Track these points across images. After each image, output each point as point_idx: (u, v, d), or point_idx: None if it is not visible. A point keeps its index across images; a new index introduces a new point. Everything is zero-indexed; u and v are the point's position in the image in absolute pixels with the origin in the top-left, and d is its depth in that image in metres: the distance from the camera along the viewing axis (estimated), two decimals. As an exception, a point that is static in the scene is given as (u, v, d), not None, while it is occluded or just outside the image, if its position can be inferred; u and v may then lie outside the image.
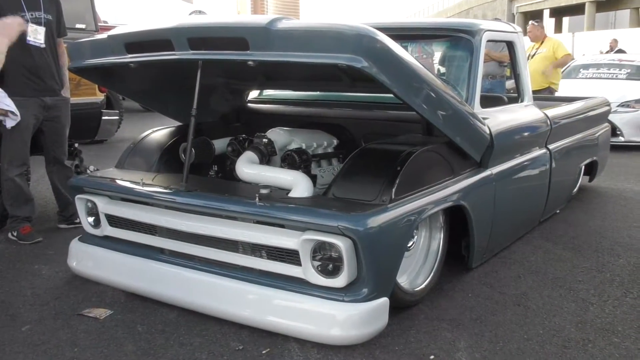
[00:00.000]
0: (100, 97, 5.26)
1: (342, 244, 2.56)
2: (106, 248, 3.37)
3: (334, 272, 2.68)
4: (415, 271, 3.25)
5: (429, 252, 3.32)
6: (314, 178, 3.47)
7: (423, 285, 3.21)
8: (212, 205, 2.91)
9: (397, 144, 3.24)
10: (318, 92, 4.42)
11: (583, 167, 5.37)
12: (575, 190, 5.40)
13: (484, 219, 3.54)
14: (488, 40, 3.92)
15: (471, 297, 3.27)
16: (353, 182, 2.92)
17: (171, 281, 3.07)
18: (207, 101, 4.22)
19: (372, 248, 2.62)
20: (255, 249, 2.89)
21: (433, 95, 2.96)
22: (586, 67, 10.04)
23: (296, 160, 3.36)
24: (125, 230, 3.32)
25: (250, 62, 2.72)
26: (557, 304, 3.19)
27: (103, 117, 5.23)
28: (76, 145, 5.26)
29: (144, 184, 3.18)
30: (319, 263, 2.70)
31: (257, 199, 2.79)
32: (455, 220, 3.37)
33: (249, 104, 4.49)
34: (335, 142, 3.86)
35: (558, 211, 4.98)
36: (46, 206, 5.13)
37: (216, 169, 3.68)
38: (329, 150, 3.82)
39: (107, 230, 3.39)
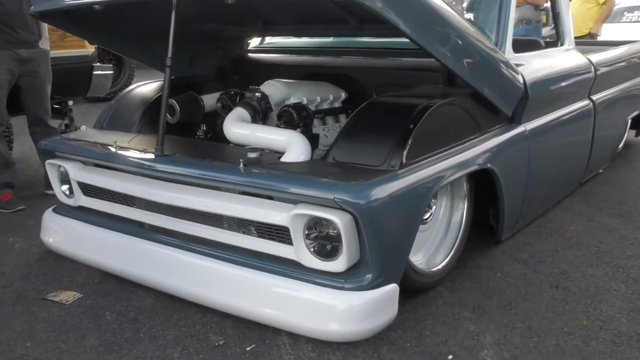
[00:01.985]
0: (90, 49, 4.79)
1: (339, 220, 2.09)
2: (80, 220, 2.96)
3: (332, 254, 2.21)
4: (434, 248, 2.77)
5: (450, 224, 2.83)
6: (316, 138, 2.97)
7: (442, 265, 2.73)
8: (188, 173, 2.45)
9: (412, 96, 2.72)
10: (325, 39, 3.88)
11: (630, 121, 4.76)
12: (620, 146, 4.80)
13: (515, 183, 3.02)
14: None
15: (500, 277, 2.78)
16: (357, 143, 2.42)
17: (149, 261, 2.64)
18: (200, 51, 3.74)
19: (377, 225, 2.14)
20: (241, 225, 2.43)
21: (455, 37, 2.43)
22: (631, 10, 9.21)
23: (294, 117, 2.87)
24: (101, 201, 2.90)
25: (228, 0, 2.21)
26: (604, 285, 2.69)
27: (95, 72, 4.76)
28: (70, 103, 4.83)
29: (117, 147, 2.74)
30: (314, 242, 2.24)
31: (241, 164, 2.32)
32: (482, 184, 2.86)
33: (249, 54, 3.98)
34: (343, 95, 3.35)
35: (601, 170, 4.41)
36: (39, 169, 4.75)
37: (205, 128, 3.20)
38: (336, 105, 3.32)
39: (81, 200, 2.98)
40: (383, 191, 2.14)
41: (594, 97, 3.89)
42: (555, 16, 3.79)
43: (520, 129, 3.04)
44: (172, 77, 3.60)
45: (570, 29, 3.84)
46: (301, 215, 2.18)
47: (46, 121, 4.05)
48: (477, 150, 2.67)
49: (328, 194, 2.08)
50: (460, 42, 2.48)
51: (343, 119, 3.31)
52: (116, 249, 2.77)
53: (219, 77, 3.78)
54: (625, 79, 4.48)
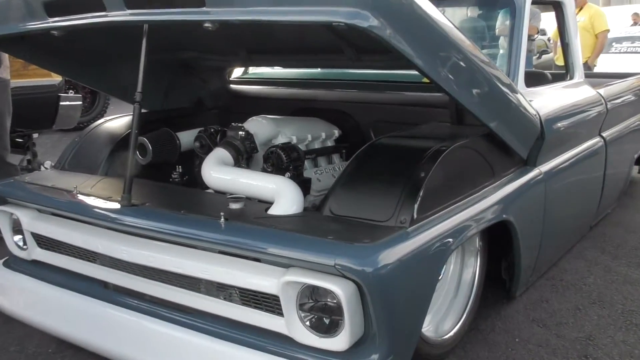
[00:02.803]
0: (57, 78, 4.41)
1: (340, 291, 1.73)
2: (34, 277, 2.54)
3: (331, 329, 1.84)
4: (443, 311, 2.42)
5: (460, 283, 2.49)
6: (307, 182, 2.62)
7: (454, 331, 2.37)
8: (159, 227, 2.06)
9: (420, 137, 2.39)
10: (316, 70, 3.56)
11: (636, 157, 4.48)
12: (627, 185, 4.51)
13: (532, 232, 2.69)
14: (533, 1, 3.02)
15: (519, 344, 2.42)
16: (358, 194, 2.06)
17: (112, 329, 2.24)
18: (176, 82, 3.39)
19: (386, 295, 1.78)
20: (222, 290, 2.05)
21: (470, 70, 2.11)
22: (619, 40, 9.10)
23: (283, 159, 2.51)
24: (58, 255, 2.50)
25: (207, 25, 1.86)
26: (639, 355, 2.35)
27: (61, 103, 4.37)
28: (35, 136, 4.43)
29: (77, 193, 2.36)
30: (310, 315, 1.87)
31: (221, 219, 1.95)
32: (495, 236, 2.52)
33: (230, 86, 3.63)
34: (336, 133, 3.01)
35: (609, 211, 4.11)
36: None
37: (181, 170, 2.83)
38: (328, 143, 2.97)
39: (35, 253, 2.57)
40: (393, 254, 1.78)
41: (605, 134, 3.60)
42: (564, 47, 3.50)
43: (535, 172, 2.72)
44: (145, 112, 3.28)
45: (580, 61, 3.56)
46: (293, 282, 1.81)
47: (4, 157, 3.65)
48: (493, 199, 2.33)
49: (328, 259, 1.71)
50: (476, 75, 2.15)
51: (336, 160, 2.97)
52: (74, 313, 2.36)
53: (197, 111, 3.42)
54: (631, 114, 4.21)
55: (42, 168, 4.02)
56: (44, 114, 4.29)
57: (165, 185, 2.64)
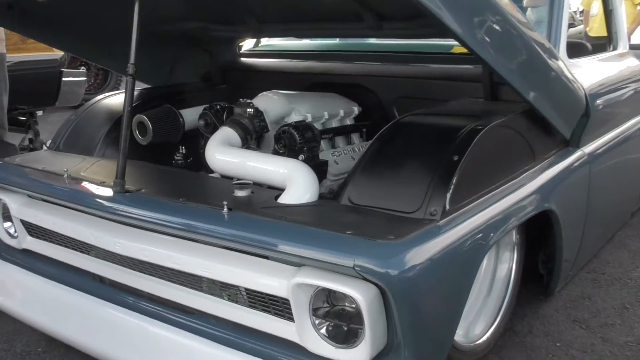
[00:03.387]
0: (58, 52, 4.17)
1: (360, 297, 1.47)
2: (25, 268, 2.33)
3: (349, 338, 1.59)
4: (474, 312, 2.15)
5: (494, 281, 2.21)
6: (324, 166, 2.35)
7: (487, 335, 2.11)
8: (154, 218, 1.82)
9: (451, 115, 2.11)
10: (333, 41, 3.26)
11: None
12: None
13: (574, 221, 2.40)
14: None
15: (560, 349, 2.16)
16: (381, 181, 1.80)
17: (107, 329, 2.02)
18: (181, 55, 3.13)
19: (414, 301, 1.52)
20: (225, 289, 1.81)
21: (509, 34, 1.82)
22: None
23: (296, 139, 2.24)
24: (50, 244, 2.27)
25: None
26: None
27: (64, 78, 4.13)
28: (39, 113, 4.22)
29: (69, 178, 2.12)
30: (325, 322, 1.62)
31: (225, 209, 1.70)
32: (531, 226, 2.24)
33: (241, 59, 3.36)
34: (355, 110, 2.73)
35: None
36: None
37: (184, 151, 2.58)
38: (347, 122, 2.69)
39: (26, 241, 2.35)
40: (422, 253, 1.52)
41: (651, 111, 3.27)
42: (607, 14, 3.18)
43: (578, 154, 2.43)
44: (147, 87, 3.03)
45: (625, 30, 3.23)
46: (306, 285, 1.56)
47: (1, 136, 3.42)
48: (534, 186, 2.05)
49: (346, 259, 1.45)
50: (516, 42, 1.87)
51: (356, 140, 2.70)
52: (67, 310, 2.14)
53: (205, 87, 3.16)
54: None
55: (44, 148, 3.80)
56: (45, 90, 4.05)
57: (165, 168, 2.39)
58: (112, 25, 2.60)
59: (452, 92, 2.43)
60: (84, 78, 4.40)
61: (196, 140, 2.65)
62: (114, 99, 2.79)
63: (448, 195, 1.65)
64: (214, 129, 2.40)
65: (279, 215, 1.69)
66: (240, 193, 1.85)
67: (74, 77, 4.22)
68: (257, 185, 1.96)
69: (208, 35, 3.02)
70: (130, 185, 1.92)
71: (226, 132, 2.24)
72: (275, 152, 2.28)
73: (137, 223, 1.88)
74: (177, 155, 2.56)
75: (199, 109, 2.58)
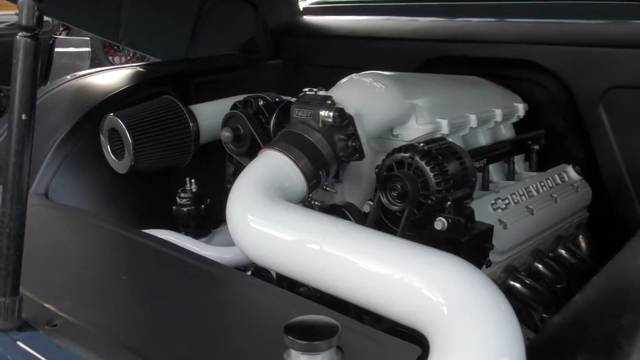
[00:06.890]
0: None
1: None
2: None
3: None
4: None
5: None
6: (487, 239, 1.07)
7: None
8: None
9: None
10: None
11: None
12: None
13: None
14: None
15: None
16: None
17: None
18: (212, 13, 1.95)
19: None
20: None
21: None
22: None
23: (432, 185, 0.98)
24: None
25: None
26: None
27: (56, 49, 2.98)
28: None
29: None
30: None
31: None
32: None
33: (304, 17, 2.10)
34: (521, 109, 1.43)
35: None
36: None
37: (195, 187, 1.35)
38: (504, 131, 1.42)
39: None
40: None
41: None
42: None
43: None
44: (156, 62, 1.90)
45: None
46: None
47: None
48: None
49: None
50: None
51: (520, 167, 1.41)
52: None
53: (243, 60, 1.95)
54: None
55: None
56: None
57: (143, 237, 1.15)
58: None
59: None
60: (87, 49, 3.24)
61: (221, 157, 1.43)
62: (82, 82, 1.61)
63: None
64: (251, 147, 1.18)
65: None
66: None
67: (72, 47, 3.07)
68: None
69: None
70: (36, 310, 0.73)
71: (273, 165, 0.99)
72: (373, 215, 1.04)
73: None
74: (183, 194, 1.32)
75: (227, 104, 1.36)
